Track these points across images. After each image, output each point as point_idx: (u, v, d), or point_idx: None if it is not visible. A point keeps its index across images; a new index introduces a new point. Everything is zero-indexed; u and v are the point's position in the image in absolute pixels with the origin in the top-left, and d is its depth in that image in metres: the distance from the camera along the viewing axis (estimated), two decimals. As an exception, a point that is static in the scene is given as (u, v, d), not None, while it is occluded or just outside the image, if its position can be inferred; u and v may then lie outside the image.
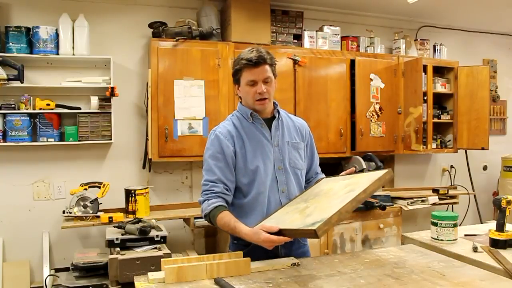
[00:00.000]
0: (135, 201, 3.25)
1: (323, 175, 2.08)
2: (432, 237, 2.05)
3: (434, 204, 4.12)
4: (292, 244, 1.91)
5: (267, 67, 1.84)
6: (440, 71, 4.43)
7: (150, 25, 3.45)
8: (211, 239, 3.82)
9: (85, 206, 3.17)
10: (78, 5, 3.42)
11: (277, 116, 1.94)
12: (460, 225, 2.13)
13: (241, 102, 1.96)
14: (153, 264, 2.61)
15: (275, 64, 1.90)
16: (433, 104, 4.19)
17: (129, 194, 3.27)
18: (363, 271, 1.62)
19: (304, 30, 3.90)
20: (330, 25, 4.04)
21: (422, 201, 4.06)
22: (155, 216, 3.24)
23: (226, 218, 1.75)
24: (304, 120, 2.11)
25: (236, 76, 1.88)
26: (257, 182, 1.84)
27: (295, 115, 2.25)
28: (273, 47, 3.69)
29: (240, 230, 1.69)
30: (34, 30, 3.18)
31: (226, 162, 1.83)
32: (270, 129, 1.91)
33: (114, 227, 2.93)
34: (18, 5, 3.34)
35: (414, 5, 4.01)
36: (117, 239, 2.77)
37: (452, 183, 4.80)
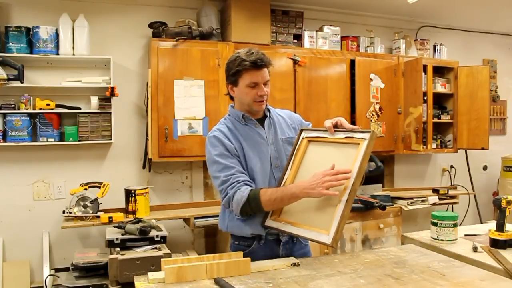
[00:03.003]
0: (135, 201, 3.25)
1: None
2: (432, 237, 2.05)
3: (434, 204, 4.12)
4: (294, 245, 1.92)
5: (266, 69, 1.84)
6: (440, 71, 4.43)
7: (150, 25, 3.45)
8: (211, 239, 3.82)
9: (85, 206, 3.17)
10: (78, 5, 3.42)
11: (268, 114, 1.94)
12: (460, 225, 2.13)
13: (232, 106, 1.96)
14: (153, 264, 2.61)
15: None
16: (433, 104, 4.19)
17: (129, 194, 3.27)
18: (363, 271, 1.62)
19: (304, 30, 3.89)
20: (330, 25, 4.04)
21: (422, 201, 4.06)
22: (155, 216, 3.24)
23: (269, 190, 1.74)
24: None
25: (235, 77, 1.84)
26: (256, 182, 1.83)
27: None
28: (273, 47, 3.69)
29: (291, 186, 1.72)
30: (34, 30, 3.18)
31: (235, 158, 1.82)
32: (263, 128, 1.91)
33: (114, 227, 2.93)
34: (18, 5, 3.34)
35: (414, 5, 4.01)
36: (117, 239, 2.77)
37: (452, 183, 4.80)
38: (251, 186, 1.77)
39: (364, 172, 1.65)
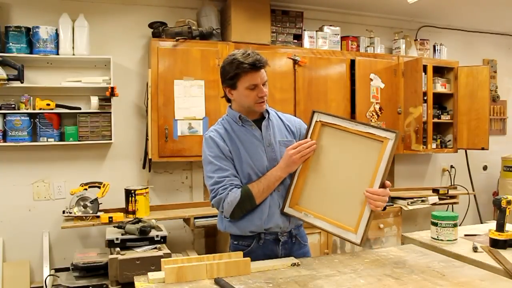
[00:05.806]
0: (135, 201, 3.25)
1: None
2: (432, 237, 2.05)
3: (434, 204, 4.13)
4: (293, 245, 1.91)
5: (264, 70, 1.83)
6: (440, 71, 4.43)
7: (150, 25, 3.45)
8: (211, 239, 3.82)
9: (85, 206, 3.17)
10: (78, 5, 3.42)
11: (266, 116, 1.92)
12: (460, 225, 2.13)
13: (230, 106, 1.95)
14: (153, 264, 2.61)
15: None
16: (433, 104, 4.19)
17: (129, 194, 3.27)
18: (363, 271, 1.62)
19: (304, 30, 3.89)
20: (330, 25, 4.04)
21: (422, 201, 4.06)
22: (155, 216, 3.24)
23: (255, 183, 1.80)
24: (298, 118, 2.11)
25: (233, 80, 1.81)
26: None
27: (295, 115, 2.24)
28: (273, 47, 3.69)
29: (271, 171, 1.81)
30: (34, 30, 3.18)
31: (229, 161, 1.83)
32: (260, 129, 1.89)
33: (114, 227, 2.93)
34: (18, 5, 3.34)
35: (414, 5, 4.01)
36: (117, 239, 2.77)
37: (452, 183, 4.80)
38: None
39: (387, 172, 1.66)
